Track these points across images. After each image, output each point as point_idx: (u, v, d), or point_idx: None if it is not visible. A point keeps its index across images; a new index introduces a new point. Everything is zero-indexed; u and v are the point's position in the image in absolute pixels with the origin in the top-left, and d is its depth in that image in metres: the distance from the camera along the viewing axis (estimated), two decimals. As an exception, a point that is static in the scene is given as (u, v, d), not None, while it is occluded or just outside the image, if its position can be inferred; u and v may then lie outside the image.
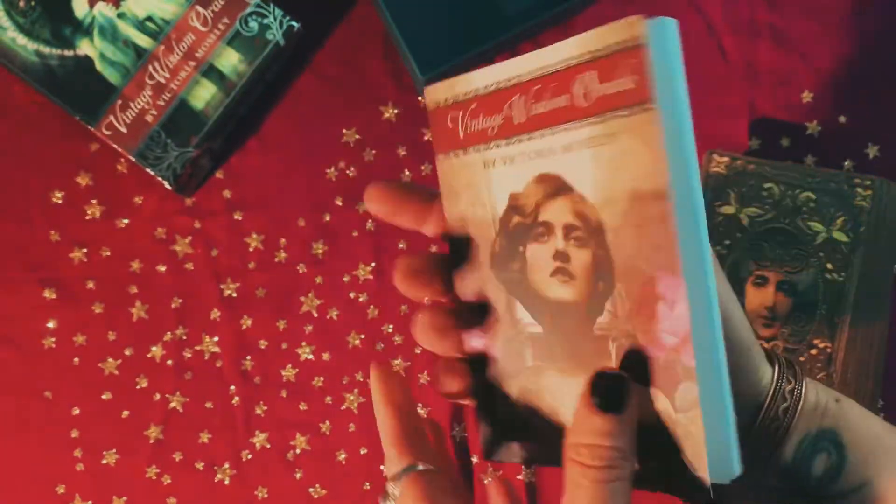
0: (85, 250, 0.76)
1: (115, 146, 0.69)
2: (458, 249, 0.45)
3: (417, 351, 0.75)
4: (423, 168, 0.76)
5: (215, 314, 0.75)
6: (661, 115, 0.35)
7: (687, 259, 0.35)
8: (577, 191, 0.41)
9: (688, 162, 0.36)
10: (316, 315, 0.75)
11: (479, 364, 0.45)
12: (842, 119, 0.77)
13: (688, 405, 0.36)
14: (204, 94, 0.71)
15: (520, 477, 0.73)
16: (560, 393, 0.42)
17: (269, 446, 0.74)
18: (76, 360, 0.75)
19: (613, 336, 0.39)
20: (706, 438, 0.36)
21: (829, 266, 0.68)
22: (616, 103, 0.37)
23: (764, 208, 0.69)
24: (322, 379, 0.75)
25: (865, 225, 0.69)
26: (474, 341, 0.45)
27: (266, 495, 0.74)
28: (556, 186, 0.42)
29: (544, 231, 0.44)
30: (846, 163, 0.76)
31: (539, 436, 0.43)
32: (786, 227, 0.69)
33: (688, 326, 0.35)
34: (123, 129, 0.70)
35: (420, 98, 0.76)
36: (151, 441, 0.74)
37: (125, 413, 0.74)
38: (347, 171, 0.76)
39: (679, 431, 0.37)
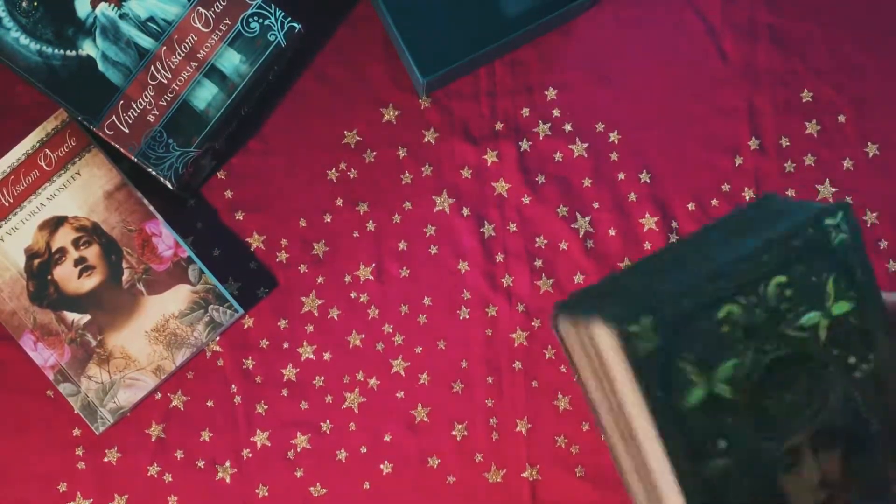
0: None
1: (117, 146, 0.70)
2: None
3: (417, 351, 0.75)
4: (423, 169, 0.76)
5: (217, 314, 0.75)
6: (98, 150, 0.71)
7: None
8: (71, 215, 0.70)
9: None
10: (317, 315, 0.76)
11: None
12: (841, 118, 0.77)
13: None
14: (205, 95, 0.71)
15: (524, 475, 0.73)
16: None
17: (269, 445, 0.74)
18: (78, 359, 0.75)
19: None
20: None
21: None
22: (70, 157, 0.70)
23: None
24: (323, 378, 0.75)
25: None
26: None
27: (266, 494, 0.74)
28: (54, 223, 0.70)
29: (60, 256, 0.69)
30: (846, 162, 0.76)
31: None
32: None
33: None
34: (125, 129, 0.70)
35: (420, 100, 0.76)
36: (153, 439, 0.74)
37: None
38: (348, 173, 0.76)
39: None
